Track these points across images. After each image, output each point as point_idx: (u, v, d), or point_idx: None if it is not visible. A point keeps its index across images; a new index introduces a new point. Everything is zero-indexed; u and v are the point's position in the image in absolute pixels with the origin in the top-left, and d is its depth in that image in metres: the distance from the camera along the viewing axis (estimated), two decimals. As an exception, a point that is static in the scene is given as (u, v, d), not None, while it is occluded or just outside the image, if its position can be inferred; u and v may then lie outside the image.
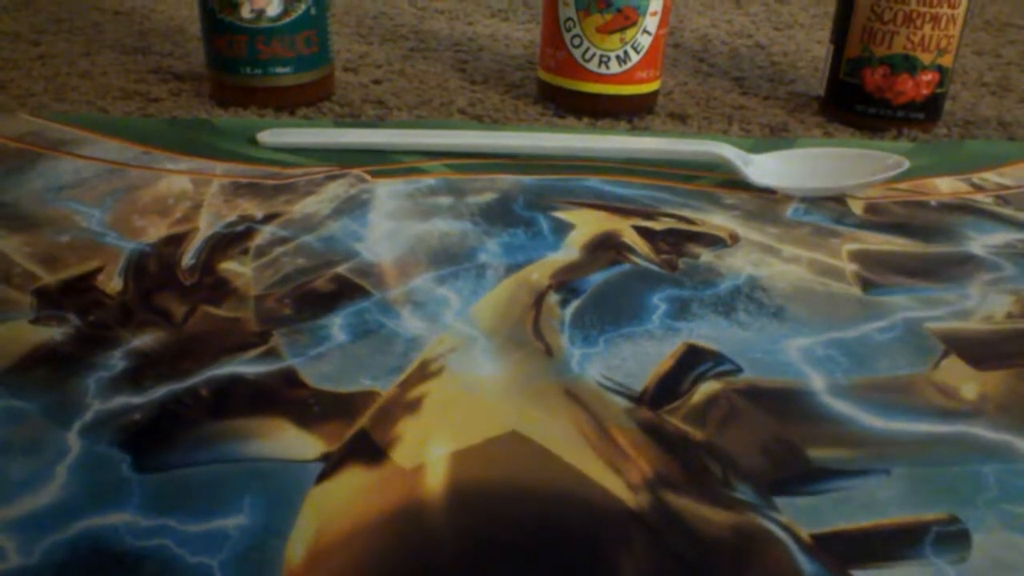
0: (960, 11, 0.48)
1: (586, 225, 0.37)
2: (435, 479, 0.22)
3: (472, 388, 0.26)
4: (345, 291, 0.31)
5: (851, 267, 0.34)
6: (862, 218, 0.39)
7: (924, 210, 0.40)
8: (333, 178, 0.40)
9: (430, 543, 0.20)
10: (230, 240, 0.34)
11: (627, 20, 0.48)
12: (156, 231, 0.35)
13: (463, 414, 0.25)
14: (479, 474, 0.23)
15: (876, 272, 0.34)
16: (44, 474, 0.22)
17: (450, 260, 0.33)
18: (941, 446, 0.25)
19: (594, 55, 0.49)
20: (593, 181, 0.41)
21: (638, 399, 0.26)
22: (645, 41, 0.49)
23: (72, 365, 0.26)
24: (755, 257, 0.35)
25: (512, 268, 0.33)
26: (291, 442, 0.23)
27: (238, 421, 0.24)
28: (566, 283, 0.32)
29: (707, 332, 0.29)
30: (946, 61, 0.49)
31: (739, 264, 0.34)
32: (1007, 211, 0.40)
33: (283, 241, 0.34)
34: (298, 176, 0.40)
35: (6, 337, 0.27)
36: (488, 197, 0.39)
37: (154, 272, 0.32)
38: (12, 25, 0.65)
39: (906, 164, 0.41)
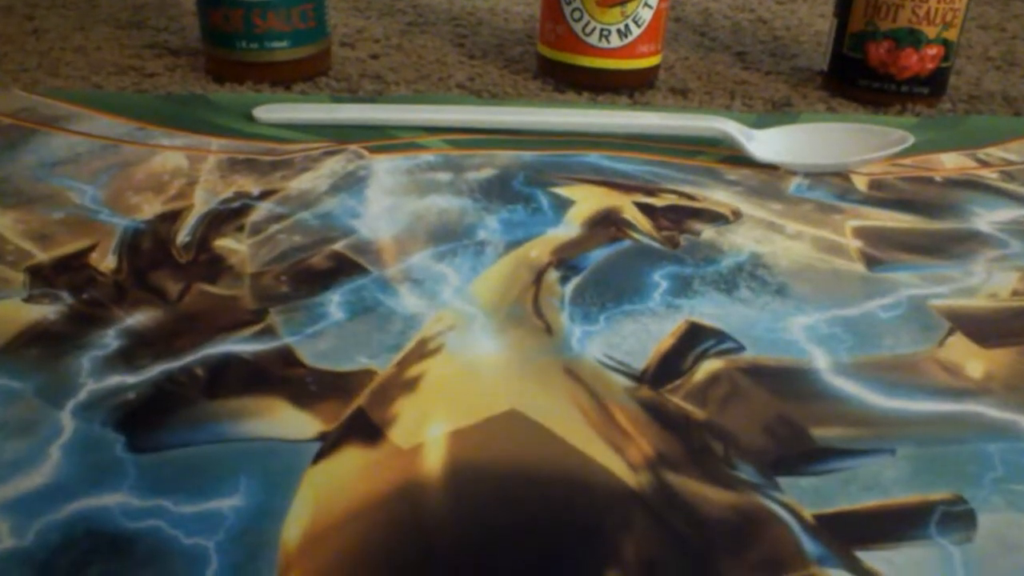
0: (966, -17, 0.47)
1: (586, 201, 0.36)
2: (433, 458, 0.22)
3: (471, 366, 0.26)
4: (342, 268, 0.31)
5: (855, 244, 0.34)
6: (866, 194, 0.39)
7: (929, 186, 0.40)
8: (330, 154, 0.40)
9: (428, 522, 0.20)
10: (226, 217, 0.34)
11: (628, -7, 0.48)
12: (151, 208, 0.34)
13: (462, 393, 0.24)
14: (478, 453, 0.22)
15: (880, 249, 0.34)
16: (37, 454, 0.22)
17: (449, 237, 0.33)
18: (946, 425, 0.24)
19: (595, 29, 0.48)
20: (593, 157, 0.41)
21: (639, 377, 0.26)
22: (646, 15, 0.48)
23: (65, 344, 0.26)
24: (758, 234, 0.34)
25: (512, 245, 0.32)
26: (287, 421, 0.23)
27: (234, 400, 0.24)
28: (566, 260, 0.32)
29: (709, 310, 0.29)
30: (951, 35, 0.48)
31: (741, 241, 0.34)
32: (1013, 187, 0.40)
33: (279, 218, 0.34)
34: (295, 152, 0.40)
35: (-1, 315, 0.27)
36: (487, 173, 0.39)
37: (149, 249, 0.31)
38: (5, -1, 0.65)
39: (911, 139, 0.40)
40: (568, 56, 0.50)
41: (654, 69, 0.51)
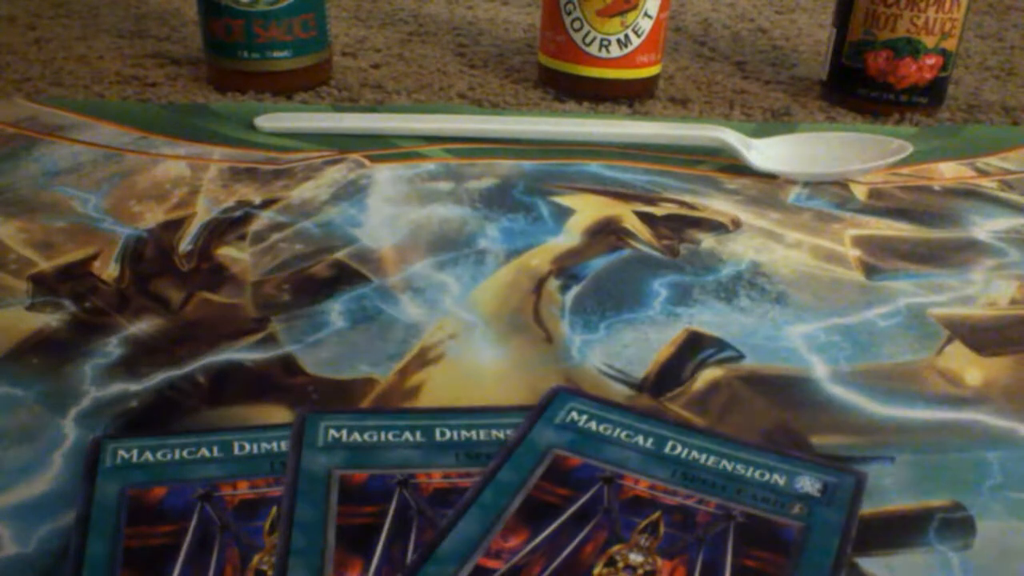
0: (964, -6, 0.47)
1: (587, 210, 0.36)
2: (435, 466, 0.22)
3: (472, 375, 0.26)
4: (344, 277, 0.31)
5: (854, 252, 0.34)
6: (865, 203, 0.39)
7: (927, 195, 0.40)
8: (331, 163, 0.40)
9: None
10: (228, 225, 0.34)
11: (628, 3, 0.48)
12: (153, 216, 0.34)
13: (462, 401, 0.25)
14: (479, 461, 0.22)
15: (879, 257, 0.34)
16: (40, 461, 0.22)
17: (449, 246, 0.33)
18: (945, 433, 0.24)
19: (595, 39, 0.49)
20: (594, 166, 0.41)
21: (639, 386, 0.26)
22: (646, 25, 0.49)
23: (68, 352, 0.26)
24: (757, 242, 0.34)
25: (512, 254, 0.33)
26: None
27: (236, 408, 0.24)
28: (566, 269, 0.32)
29: (709, 318, 0.29)
30: (950, 45, 0.49)
31: (741, 250, 0.34)
32: (1011, 196, 0.40)
33: (281, 227, 0.34)
34: (296, 161, 0.40)
35: (2, 324, 0.27)
36: (488, 182, 0.39)
37: (151, 258, 0.31)
38: (8, 9, 0.65)
39: (909, 149, 0.40)
40: (568, 66, 0.50)
41: (654, 79, 0.52)
